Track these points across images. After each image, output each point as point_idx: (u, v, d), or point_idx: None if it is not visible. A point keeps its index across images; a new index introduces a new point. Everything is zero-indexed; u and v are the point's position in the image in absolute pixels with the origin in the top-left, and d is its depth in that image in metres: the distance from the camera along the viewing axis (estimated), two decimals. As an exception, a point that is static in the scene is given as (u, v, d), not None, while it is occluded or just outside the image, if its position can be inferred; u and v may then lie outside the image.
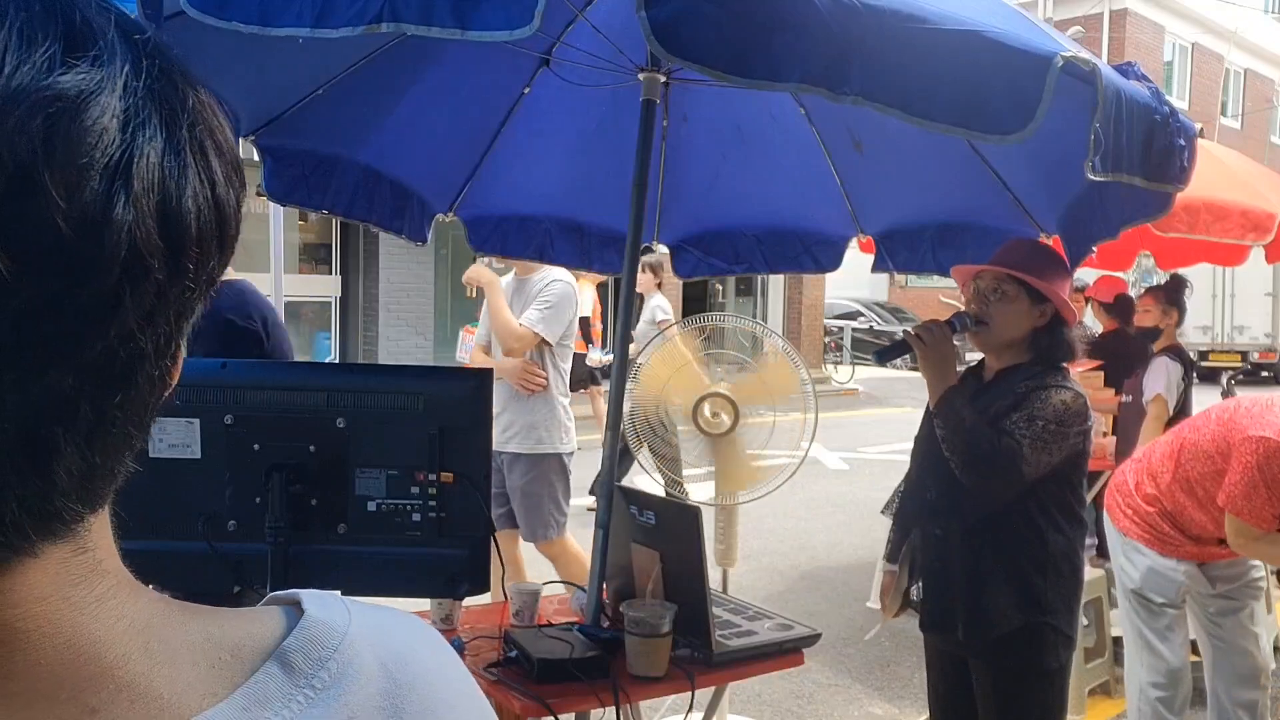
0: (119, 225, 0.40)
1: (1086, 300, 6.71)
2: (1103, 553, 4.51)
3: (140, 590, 0.46)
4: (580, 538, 3.96)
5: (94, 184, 0.39)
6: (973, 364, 2.64)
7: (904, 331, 2.48)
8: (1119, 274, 6.29)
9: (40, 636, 0.42)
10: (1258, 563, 3.30)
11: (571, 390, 4.22)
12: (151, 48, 0.44)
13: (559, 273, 4.08)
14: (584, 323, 9.81)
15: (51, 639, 0.42)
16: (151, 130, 0.41)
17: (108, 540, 0.46)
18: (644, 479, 4.68)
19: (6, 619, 0.41)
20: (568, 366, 4.18)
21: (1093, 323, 6.42)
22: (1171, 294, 5.06)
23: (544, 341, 3.98)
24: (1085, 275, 6.97)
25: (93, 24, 0.41)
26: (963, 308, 2.55)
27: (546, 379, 4.02)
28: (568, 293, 4.05)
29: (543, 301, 4.00)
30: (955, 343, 2.48)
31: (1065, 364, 2.47)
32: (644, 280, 6.96)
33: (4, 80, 0.38)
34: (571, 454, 4.13)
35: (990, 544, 2.41)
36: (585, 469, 4.73)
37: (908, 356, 2.64)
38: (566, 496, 4.12)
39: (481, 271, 4.18)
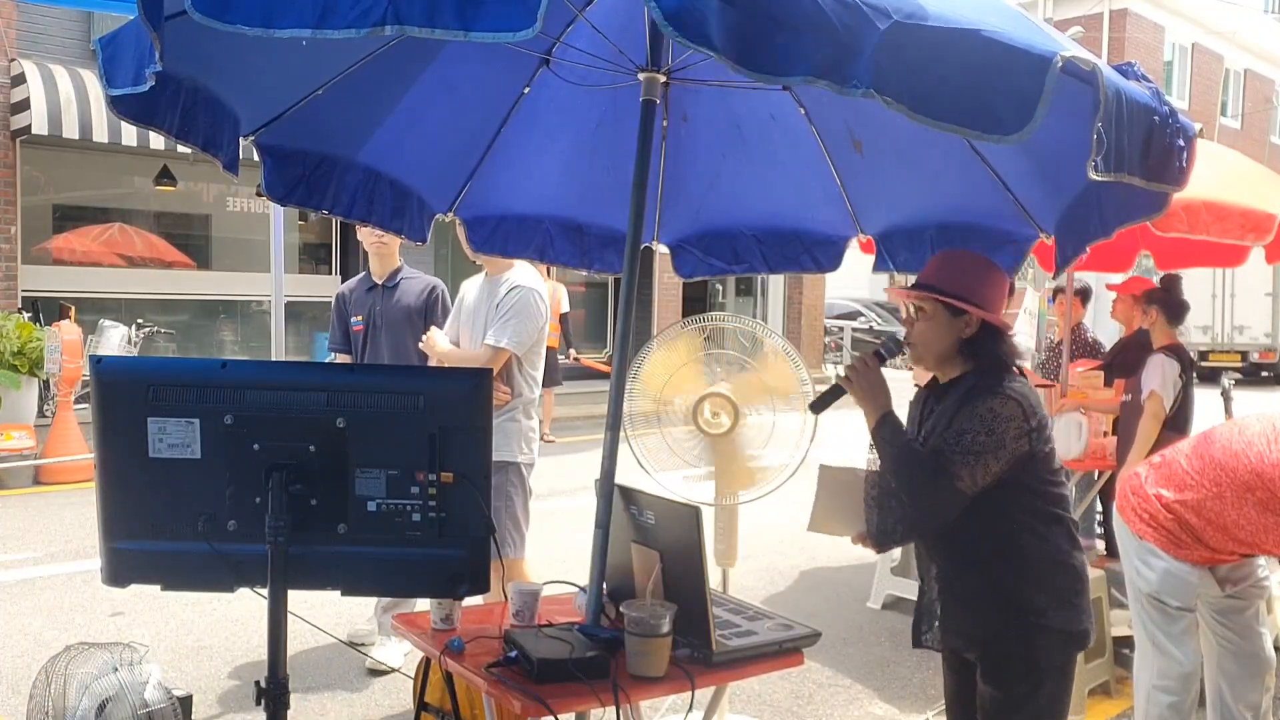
0: None
1: (1084, 301, 6.70)
2: (1112, 553, 4.49)
3: None
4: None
5: None
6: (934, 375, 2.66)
7: (836, 375, 2.54)
8: (1118, 275, 6.28)
9: None
10: (1263, 562, 3.29)
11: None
12: None
13: (520, 277, 3.96)
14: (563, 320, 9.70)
15: None
16: None
17: None
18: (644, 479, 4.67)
19: None
20: (538, 374, 4.06)
21: (1100, 326, 6.35)
22: (1151, 295, 5.03)
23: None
24: (1087, 277, 6.98)
25: None
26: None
27: (510, 391, 3.91)
28: (528, 299, 3.90)
29: (501, 315, 3.89)
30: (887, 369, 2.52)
31: (1013, 367, 2.45)
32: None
33: None
34: (531, 465, 3.98)
35: (957, 553, 2.43)
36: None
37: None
38: (525, 513, 3.96)
39: (432, 343, 4.08)
